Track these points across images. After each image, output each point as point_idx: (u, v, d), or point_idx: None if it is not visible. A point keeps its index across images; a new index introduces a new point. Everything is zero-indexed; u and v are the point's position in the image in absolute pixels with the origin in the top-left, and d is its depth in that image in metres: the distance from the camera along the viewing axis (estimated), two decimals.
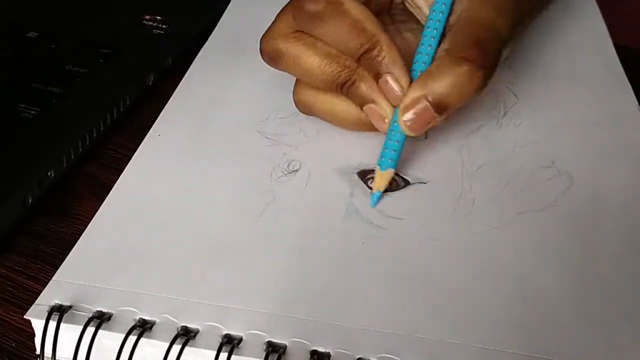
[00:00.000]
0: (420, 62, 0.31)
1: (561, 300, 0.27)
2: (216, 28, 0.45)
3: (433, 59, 0.31)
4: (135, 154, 0.34)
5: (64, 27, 0.43)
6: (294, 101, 0.35)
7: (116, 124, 0.39)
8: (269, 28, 0.33)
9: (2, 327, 0.28)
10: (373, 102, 0.31)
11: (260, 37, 0.33)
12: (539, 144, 0.35)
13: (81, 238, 0.29)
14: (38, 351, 0.25)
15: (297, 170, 0.33)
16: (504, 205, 0.32)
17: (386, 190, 0.32)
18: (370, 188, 0.32)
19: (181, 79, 0.40)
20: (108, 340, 0.25)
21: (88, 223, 0.30)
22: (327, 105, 0.34)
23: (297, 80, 0.35)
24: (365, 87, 0.31)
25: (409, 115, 0.30)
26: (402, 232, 0.30)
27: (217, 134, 0.35)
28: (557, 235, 0.30)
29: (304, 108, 0.35)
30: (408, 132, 0.31)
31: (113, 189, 0.32)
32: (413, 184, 0.33)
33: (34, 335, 0.26)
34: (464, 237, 0.30)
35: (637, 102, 0.39)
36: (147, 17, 0.46)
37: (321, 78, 0.32)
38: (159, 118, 0.37)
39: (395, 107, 0.31)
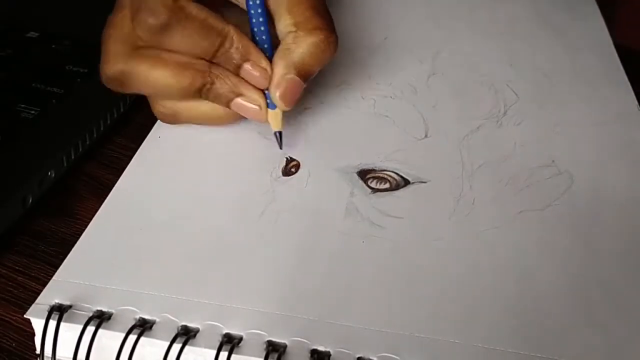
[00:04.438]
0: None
1: (561, 300, 0.27)
2: None
3: (273, 36, 0.32)
4: (136, 154, 0.34)
5: (64, 27, 0.43)
6: (155, 114, 0.34)
7: (116, 124, 0.39)
8: (104, 55, 0.32)
9: (2, 327, 0.28)
10: (239, 95, 0.32)
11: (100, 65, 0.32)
12: (539, 143, 0.35)
13: (81, 238, 0.29)
14: (38, 350, 0.25)
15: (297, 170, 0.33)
16: (504, 204, 0.32)
17: (386, 189, 0.32)
18: (371, 188, 0.32)
19: None
20: (108, 339, 0.25)
21: (88, 223, 0.30)
22: (193, 111, 0.33)
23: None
24: (225, 85, 0.31)
25: (281, 91, 0.32)
26: (402, 231, 0.30)
27: (217, 134, 0.35)
28: (558, 234, 0.30)
29: (169, 119, 0.34)
30: (284, 107, 0.32)
31: (113, 189, 0.32)
32: (413, 183, 0.33)
33: (34, 334, 0.26)
34: (464, 237, 0.30)
35: (637, 102, 0.39)
36: None
37: (177, 88, 0.31)
38: None
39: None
